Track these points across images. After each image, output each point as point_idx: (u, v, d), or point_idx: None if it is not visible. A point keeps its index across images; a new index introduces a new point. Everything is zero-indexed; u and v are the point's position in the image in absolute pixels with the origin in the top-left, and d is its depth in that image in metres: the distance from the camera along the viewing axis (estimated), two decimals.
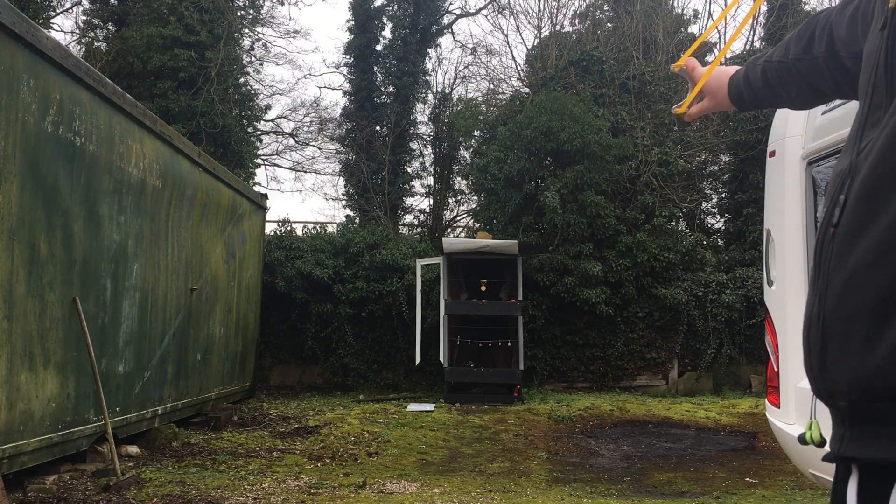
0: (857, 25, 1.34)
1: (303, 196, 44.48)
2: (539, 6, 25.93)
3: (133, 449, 7.18)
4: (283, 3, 22.79)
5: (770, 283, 4.21)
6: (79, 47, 16.20)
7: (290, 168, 22.86)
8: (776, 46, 1.64)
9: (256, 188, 14.14)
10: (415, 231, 17.89)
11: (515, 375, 11.48)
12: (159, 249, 7.85)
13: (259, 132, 19.69)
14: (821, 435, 1.23)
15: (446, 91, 19.13)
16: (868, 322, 0.98)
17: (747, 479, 6.97)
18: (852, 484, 1.03)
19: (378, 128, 17.93)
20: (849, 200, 1.06)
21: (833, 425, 1.08)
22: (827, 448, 1.12)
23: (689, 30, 16.96)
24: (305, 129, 22.15)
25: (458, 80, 20.20)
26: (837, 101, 3.71)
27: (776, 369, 4.09)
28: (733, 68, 1.77)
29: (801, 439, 1.22)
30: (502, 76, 20.04)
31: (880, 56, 1.09)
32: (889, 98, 1.06)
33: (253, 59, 18.59)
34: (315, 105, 24.70)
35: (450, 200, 18.54)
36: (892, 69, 1.06)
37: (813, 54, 1.51)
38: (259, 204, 11.77)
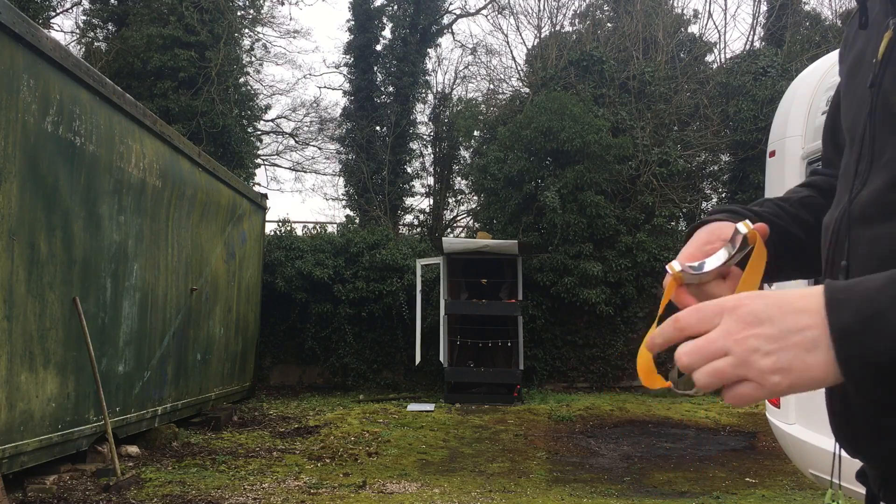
0: None
1: (303, 196, 44.45)
2: (539, 6, 25.97)
3: (133, 449, 7.18)
4: (283, 3, 22.81)
5: (770, 284, 4.20)
6: (79, 47, 16.19)
7: (290, 168, 22.91)
8: None
9: (256, 188, 14.14)
10: (415, 231, 17.87)
11: (515, 375, 11.47)
12: (159, 249, 7.85)
13: (259, 132, 19.69)
14: None
15: (446, 91, 19.13)
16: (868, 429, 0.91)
17: (747, 479, 6.97)
18: None
19: (378, 128, 17.92)
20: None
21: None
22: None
23: (689, 30, 16.97)
24: (305, 129, 22.20)
25: (458, 80, 20.20)
26: None
27: None
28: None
29: None
30: (502, 76, 20.04)
31: (866, 115, 0.99)
32: (862, 163, 0.97)
33: (253, 59, 18.58)
34: (315, 105, 24.80)
35: (450, 200, 18.53)
36: (873, 132, 0.96)
37: None
38: (259, 204, 11.77)
